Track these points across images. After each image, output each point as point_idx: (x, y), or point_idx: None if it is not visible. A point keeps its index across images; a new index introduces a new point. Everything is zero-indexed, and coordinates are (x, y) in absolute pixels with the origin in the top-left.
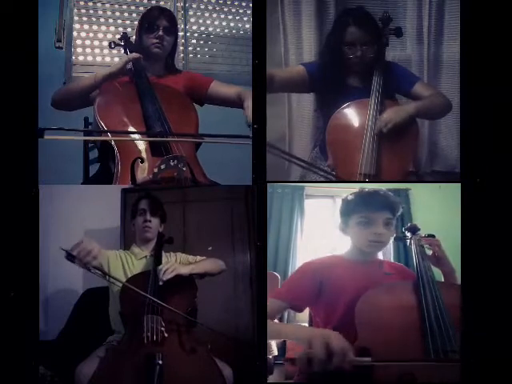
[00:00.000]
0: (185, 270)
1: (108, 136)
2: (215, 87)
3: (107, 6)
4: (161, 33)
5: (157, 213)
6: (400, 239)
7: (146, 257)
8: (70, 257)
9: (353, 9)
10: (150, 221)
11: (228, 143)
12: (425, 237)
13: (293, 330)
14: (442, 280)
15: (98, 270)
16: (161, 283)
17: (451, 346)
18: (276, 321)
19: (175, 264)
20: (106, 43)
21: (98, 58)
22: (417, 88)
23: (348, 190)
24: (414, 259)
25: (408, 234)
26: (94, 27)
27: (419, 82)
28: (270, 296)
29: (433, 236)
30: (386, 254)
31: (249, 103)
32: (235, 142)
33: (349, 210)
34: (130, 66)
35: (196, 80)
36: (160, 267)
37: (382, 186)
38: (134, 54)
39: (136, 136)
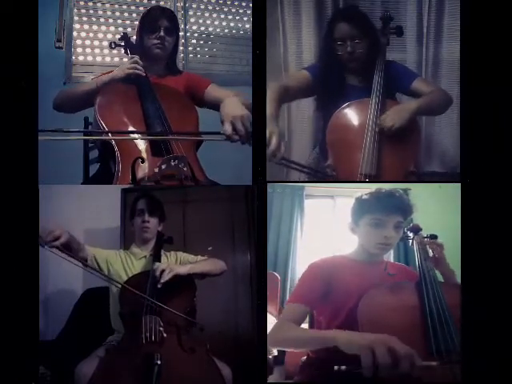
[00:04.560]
0: (183, 270)
1: (108, 136)
2: (211, 91)
3: (107, 5)
4: (162, 33)
5: (155, 212)
6: (402, 239)
7: (145, 257)
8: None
9: (344, 7)
10: (148, 221)
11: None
12: (427, 237)
13: (344, 338)
14: (443, 281)
15: (64, 255)
16: (159, 286)
17: (454, 345)
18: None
19: (171, 264)
20: (106, 43)
21: (98, 58)
22: (416, 84)
23: (348, 190)
24: (416, 259)
25: (410, 234)
26: (94, 27)
27: (418, 78)
28: (291, 301)
29: (435, 236)
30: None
31: (228, 110)
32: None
33: (362, 209)
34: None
35: (194, 82)
36: (156, 266)
37: (384, 186)
38: (138, 67)
39: (136, 135)
